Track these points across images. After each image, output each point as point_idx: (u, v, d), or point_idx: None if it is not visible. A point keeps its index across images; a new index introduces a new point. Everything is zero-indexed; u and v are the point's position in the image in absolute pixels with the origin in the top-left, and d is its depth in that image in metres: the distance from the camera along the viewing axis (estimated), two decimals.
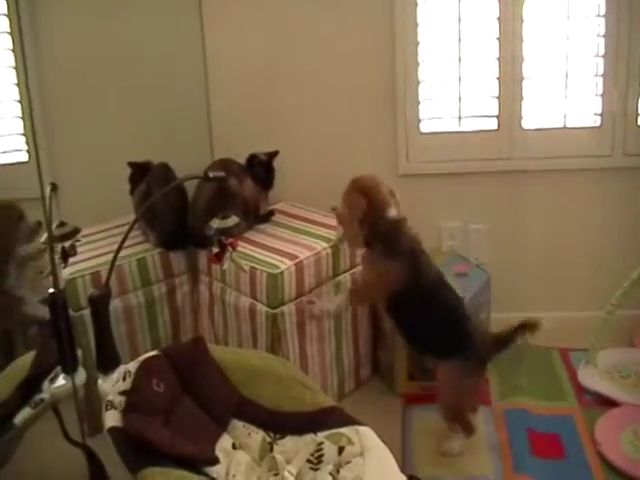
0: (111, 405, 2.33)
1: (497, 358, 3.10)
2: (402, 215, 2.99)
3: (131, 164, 3.65)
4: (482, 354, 3.02)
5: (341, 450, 2.30)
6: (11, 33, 3.35)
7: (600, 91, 3.76)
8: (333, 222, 3.42)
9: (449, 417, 3.09)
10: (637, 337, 3.79)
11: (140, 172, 3.64)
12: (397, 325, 3.10)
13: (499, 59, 3.74)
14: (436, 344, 3.03)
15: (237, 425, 2.53)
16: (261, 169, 3.72)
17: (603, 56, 3.70)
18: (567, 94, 3.77)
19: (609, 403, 3.35)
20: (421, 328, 3.03)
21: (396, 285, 2.94)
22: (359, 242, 3.03)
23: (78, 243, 2.54)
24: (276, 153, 3.76)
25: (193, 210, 3.56)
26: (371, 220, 2.94)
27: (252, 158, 3.74)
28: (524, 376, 3.64)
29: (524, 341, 3.06)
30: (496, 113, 3.83)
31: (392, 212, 2.95)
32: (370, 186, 2.97)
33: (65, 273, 2.62)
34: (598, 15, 3.66)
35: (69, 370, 2.40)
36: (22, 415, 2.32)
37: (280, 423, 2.50)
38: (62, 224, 2.45)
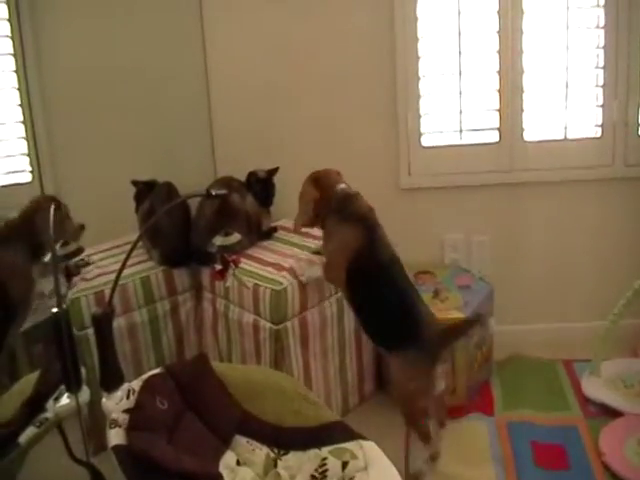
0: (115, 423, 2.33)
1: (446, 351, 3.08)
2: (354, 190, 3.13)
3: (135, 182, 3.67)
4: (433, 346, 2.93)
5: (345, 465, 2.30)
6: (14, 55, 3.36)
7: (600, 102, 3.78)
8: None
9: (405, 417, 3.04)
10: None
11: (145, 190, 3.66)
12: (352, 305, 3.10)
13: (499, 72, 3.77)
14: (387, 329, 3.00)
15: (241, 441, 2.53)
16: (260, 186, 3.74)
17: (603, 67, 3.73)
18: (567, 105, 3.79)
19: (613, 413, 3.35)
20: (374, 309, 3.02)
21: (353, 248, 2.98)
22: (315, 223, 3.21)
23: (86, 270, 2.56)
24: (276, 170, 3.77)
25: (196, 228, 3.58)
26: (324, 198, 3.10)
27: (251, 175, 3.77)
28: (528, 387, 3.66)
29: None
30: (497, 126, 3.85)
31: (341, 186, 3.11)
32: (319, 174, 3.16)
33: (69, 292, 2.63)
34: (598, 27, 3.68)
35: (73, 389, 2.40)
36: (26, 434, 2.31)
37: (284, 439, 2.49)
38: (66, 243, 2.46)
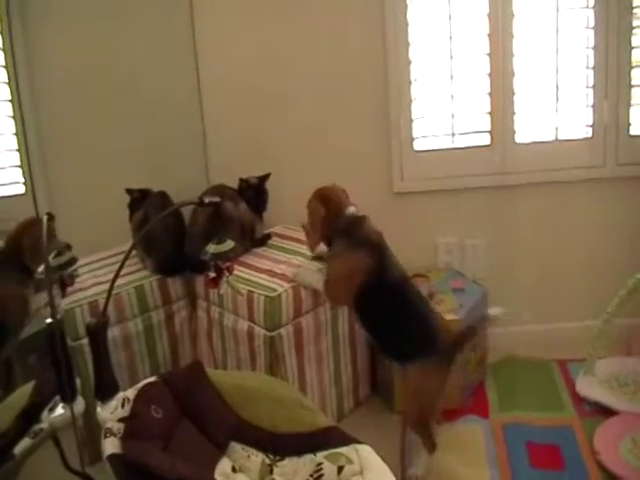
0: (110, 432, 2.33)
1: (459, 356, 3.12)
2: (362, 213, 3.11)
3: (129, 191, 3.68)
4: (448, 352, 3.02)
5: (340, 469, 2.29)
6: (6, 67, 3.37)
7: (591, 102, 3.79)
8: None
9: (415, 426, 3.10)
10: (634, 345, 3.80)
11: (139, 199, 3.67)
12: (364, 324, 3.13)
13: (490, 75, 3.78)
14: (404, 344, 3.05)
15: (236, 448, 2.54)
16: (252, 193, 3.75)
17: (593, 68, 3.74)
18: (558, 107, 3.81)
19: (608, 412, 3.36)
20: (389, 327, 3.06)
21: (362, 274, 2.99)
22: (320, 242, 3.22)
23: (78, 279, 2.57)
24: (267, 176, 3.79)
25: (189, 236, 3.58)
26: (331, 219, 3.09)
27: (242, 182, 3.78)
28: (523, 388, 3.67)
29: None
30: (489, 128, 3.87)
31: (351, 209, 3.10)
32: (327, 192, 3.15)
33: (63, 303, 2.64)
34: (587, 27, 3.69)
35: (68, 399, 2.41)
36: (22, 445, 2.31)
37: (279, 444, 2.50)
38: (59, 253, 2.47)
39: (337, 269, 3.11)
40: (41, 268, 2.40)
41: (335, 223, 3.08)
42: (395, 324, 3.03)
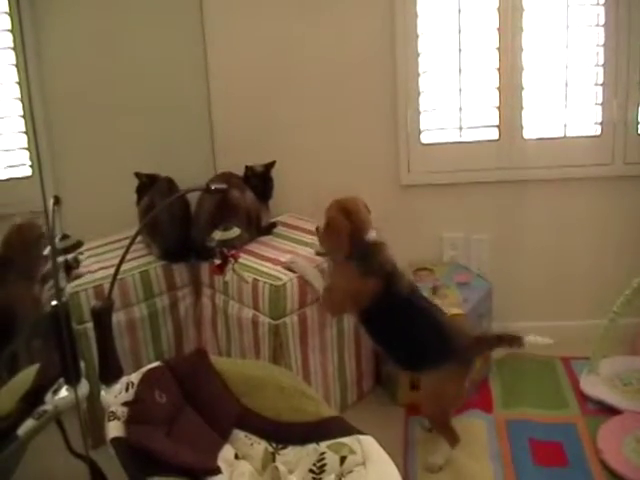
0: (114, 416, 2.34)
1: (478, 359, 3.21)
2: (380, 239, 3.12)
3: (137, 174, 3.66)
4: (465, 356, 3.05)
5: (343, 460, 2.30)
6: (15, 49, 3.36)
7: (600, 100, 3.77)
8: None
9: (437, 425, 3.15)
10: (639, 345, 3.79)
11: (147, 184, 3.66)
12: (373, 338, 3.19)
13: (499, 69, 3.76)
14: (414, 354, 3.08)
15: (239, 435, 2.55)
16: (257, 180, 3.74)
17: (603, 65, 3.72)
18: (567, 103, 3.78)
19: (611, 411, 3.35)
20: (396, 339, 3.10)
21: (366, 302, 3.05)
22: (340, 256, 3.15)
23: (81, 257, 2.56)
24: (273, 164, 3.78)
25: (195, 222, 3.57)
26: (353, 240, 3.05)
27: (248, 170, 3.77)
28: (527, 385, 3.66)
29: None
30: (497, 123, 3.84)
31: (372, 234, 3.09)
32: (353, 209, 3.09)
33: (69, 286, 2.63)
34: (597, 25, 3.67)
35: (72, 382, 2.40)
36: (25, 426, 2.32)
37: (282, 433, 2.50)
38: (65, 237, 2.46)
39: (343, 286, 3.12)
40: (46, 250, 2.39)
41: (355, 245, 3.07)
42: (406, 336, 3.06)
